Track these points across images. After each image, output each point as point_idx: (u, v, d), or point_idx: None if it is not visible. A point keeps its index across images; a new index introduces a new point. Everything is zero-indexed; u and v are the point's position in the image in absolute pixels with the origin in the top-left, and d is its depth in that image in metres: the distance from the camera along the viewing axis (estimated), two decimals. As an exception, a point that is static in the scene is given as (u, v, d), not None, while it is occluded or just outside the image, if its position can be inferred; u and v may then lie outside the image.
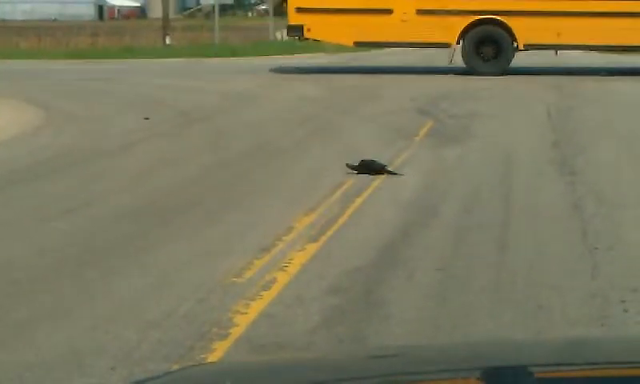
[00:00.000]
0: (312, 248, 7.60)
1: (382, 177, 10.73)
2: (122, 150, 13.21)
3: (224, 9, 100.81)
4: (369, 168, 10.80)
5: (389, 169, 10.90)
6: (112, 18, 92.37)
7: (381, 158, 11.99)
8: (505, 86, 21.87)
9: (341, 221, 8.57)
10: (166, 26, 40.09)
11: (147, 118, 16.43)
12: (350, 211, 9.00)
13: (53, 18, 79.83)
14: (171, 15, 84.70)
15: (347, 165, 10.87)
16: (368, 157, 11.99)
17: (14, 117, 17.13)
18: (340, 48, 34.18)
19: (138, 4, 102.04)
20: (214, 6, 41.79)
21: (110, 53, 36.64)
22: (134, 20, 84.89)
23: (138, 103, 19.10)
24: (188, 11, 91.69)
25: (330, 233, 8.11)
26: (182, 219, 8.66)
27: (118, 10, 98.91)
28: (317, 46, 36.63)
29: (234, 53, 36.41)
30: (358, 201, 9.49)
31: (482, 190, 10.00)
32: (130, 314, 6.05)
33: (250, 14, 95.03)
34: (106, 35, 43.09)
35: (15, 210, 9.27)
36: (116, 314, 6.07)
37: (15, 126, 15.86)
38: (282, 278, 6.78)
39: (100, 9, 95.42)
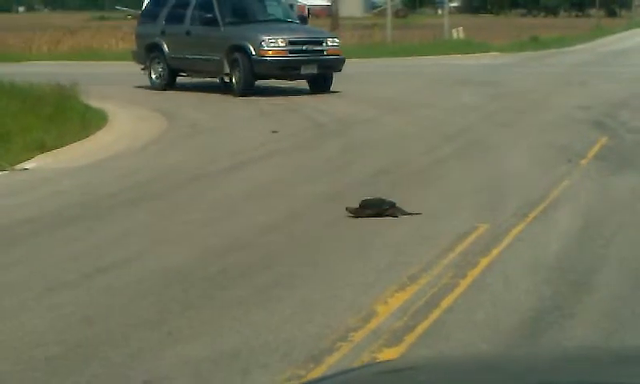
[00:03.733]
0: (387, 356, 5.07)
1: (527, 222, 8.10)
2: (223, 175, 10.98)
3: (414, 6, 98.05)
4: (376, 208, 8.39)
5: (400, 207, 8.43)
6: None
7: (534, 188, 9.44)
8: None
9: (445, 303, 5.96)
10: (334, 24, 38.02)
11: (275, 132, 14.26)
12: (465, 283, 6.39)
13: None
14: (359, 13, 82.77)
15: (347, 209, 8.39)
16: (520, 185, 9.55)
17: (130, 130, 15.19)
18: (514, 47, 31.33)
19: (328, 3, 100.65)
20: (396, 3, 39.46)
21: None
22: (324, 18, 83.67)
23: (269, 112, 16.91)
24: (377, 9, 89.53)
25: (422, 327, 5.53)
26: (228, 296, 6.19)
27: (309, 9, 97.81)
28: (492, 45, 33.80)
29: (405, 52, 33.92)
30: (483, 262, 6.89)
31: (660, 248, 7.24)
32: None
33: (439, 12, 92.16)
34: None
35: (32, 264, 7.10)
36: None
37: (125, 142, 13.86)
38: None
39: (290, 7, 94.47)
